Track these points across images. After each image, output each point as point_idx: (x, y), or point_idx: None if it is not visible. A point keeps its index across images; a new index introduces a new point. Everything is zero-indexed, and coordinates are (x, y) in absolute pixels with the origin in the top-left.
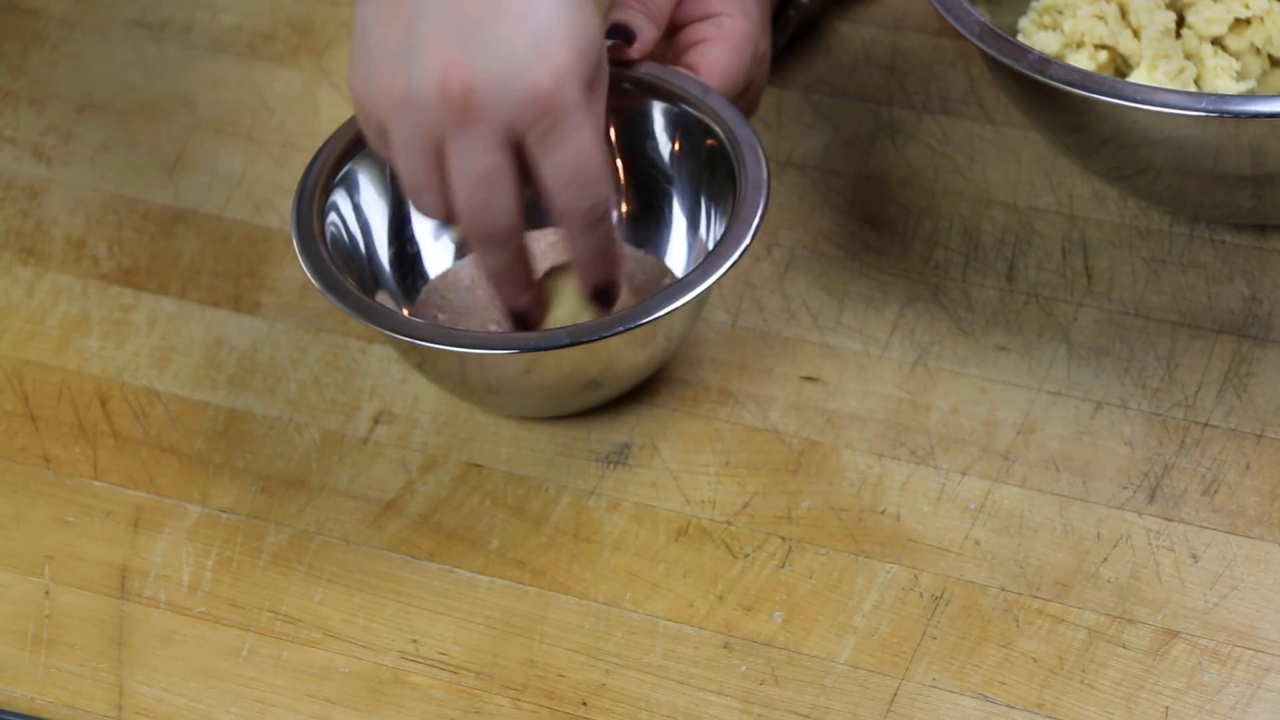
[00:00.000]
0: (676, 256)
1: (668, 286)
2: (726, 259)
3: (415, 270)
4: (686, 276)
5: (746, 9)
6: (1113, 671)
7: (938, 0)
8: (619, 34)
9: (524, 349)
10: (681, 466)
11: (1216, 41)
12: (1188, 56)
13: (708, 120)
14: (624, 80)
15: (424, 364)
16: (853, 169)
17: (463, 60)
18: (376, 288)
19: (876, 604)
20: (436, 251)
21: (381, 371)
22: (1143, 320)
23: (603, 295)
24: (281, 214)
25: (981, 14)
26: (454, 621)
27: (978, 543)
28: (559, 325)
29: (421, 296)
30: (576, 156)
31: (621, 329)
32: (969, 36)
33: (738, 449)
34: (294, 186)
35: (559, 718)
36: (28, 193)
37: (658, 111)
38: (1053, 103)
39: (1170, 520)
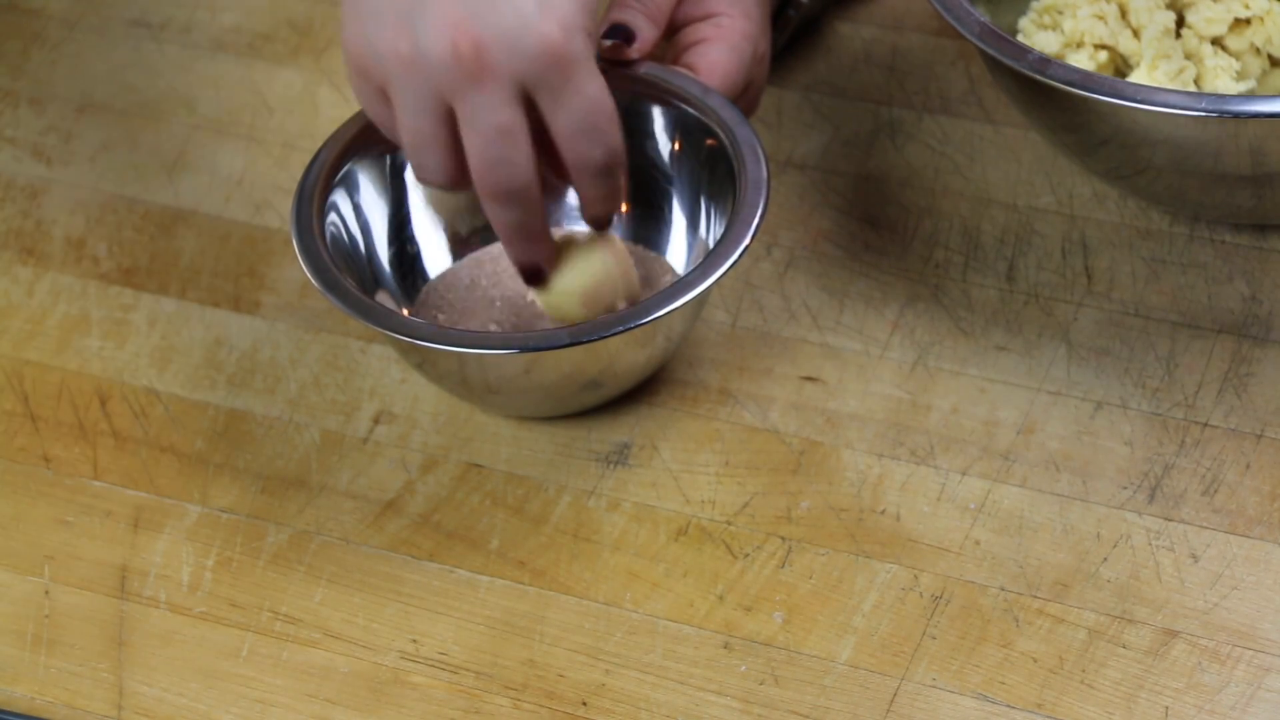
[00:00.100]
0: (676, 256)
1: (667, 286)
2: (726, 259)
3: (415, 270)
4: (686, 276)
5: (746, 9)
6: (1113, 671)
7: (938, 0)
8: (619, 34)
9: (524, 349)
10: (681, 466)
11: (1216, 41)
12: (1188, 56)
13: (707, 120)
14: (624, 80)
15: (424, 364)
16: (853, 169)
17: (470, 17)
18: (376, 288)
19: (876, 604)
20: (436, 251)
21: (381, 371)
22: (1143, 320)
23: (599, 222)
24: (281, 214)
25: (981, 14)
26: (454, 621)
27: (978, 543)
28: (565, 294)
29: (421, 296)
30: (589, 106)
31: (621, 329)
32: (969, 36)
33: (738, 449)
34: (294, 186)
35: (559, 718)
36: (28, 193)
37: (657, 111)
38: (1053, 103)
39: (1170, 520)
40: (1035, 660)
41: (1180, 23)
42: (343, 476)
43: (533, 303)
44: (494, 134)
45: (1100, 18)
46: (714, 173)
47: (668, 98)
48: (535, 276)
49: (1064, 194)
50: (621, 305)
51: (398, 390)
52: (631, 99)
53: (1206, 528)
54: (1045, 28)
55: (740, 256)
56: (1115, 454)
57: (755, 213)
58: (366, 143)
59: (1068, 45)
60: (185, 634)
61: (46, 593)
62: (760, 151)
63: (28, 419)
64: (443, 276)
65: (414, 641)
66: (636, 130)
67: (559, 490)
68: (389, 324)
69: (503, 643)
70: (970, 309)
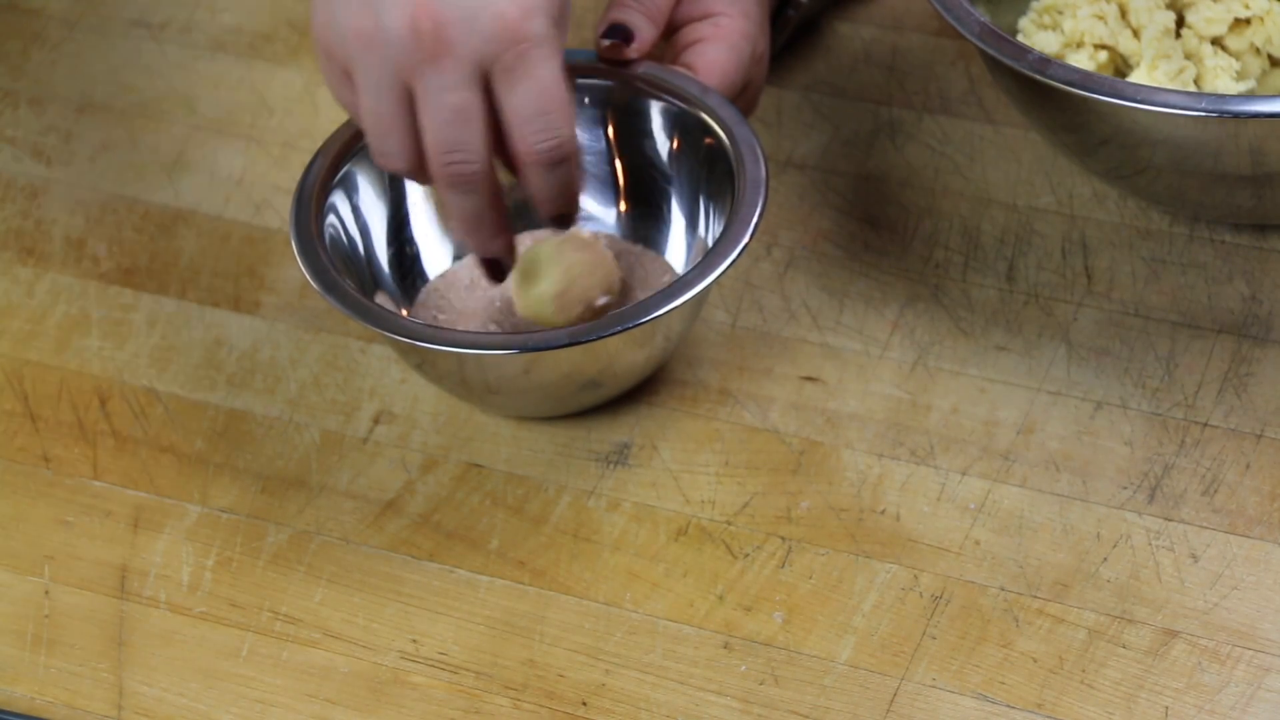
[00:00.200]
0: (675, 256)
1: (666, 286)
2: (725, 258)
3: (415, 271)
4: (685, 276)
5: (745, 8)
6: (1113, 671)
7: (938, 0)
8: (617, 33)
9: (523, 349)
10: (681, 466)
11: (1216, 41)
12: (1188, 56)
13: (706, 119)
14: (622, 79)
15: (423, 364)
16: (853, 169)
17: None
18: (376, 288)
19: (876, 604)
20: (436, 252)
21: (381, 371)
22: (1143, 320)
23: (561, 221)
24: (281, 214)
25: (981, 14)
26: (454, 621)
27: (978, 543)
28: (539, 300)
29: (421, 297)
30: (540, 89)
31: (620, 329)
32: (969, 36)
33: (738, 449)
34: (294, 186)
35: (559, 718)
36: (28, 193)
37: (656, 111)
38: (1052, 103)
39: (1170, 520)
40: (1035, 660)
41: (1180, 23)
42: (343, 476)
43: None
44: (449, 114)
45: (1100, 18)
46: (713, 172)
47: (667, 97)
48: (496, 272)
49: (1064, 194)
50: (602, 301)
51: (398, 390)
52: (630, 98)
53: (1206, 528)
54: (1045, 28)
55: (739, 256)
56: (1115, 454)
57: (754, 212)
58: (366, 143)
59: (1068, 45)
60: (185, 634)
61: (46, 593)
62: (759, 151)
63: (28, 419)
64: (442, 277)
65: (414, 641)
66: (635, 129)
67: (559, 490)
68: (388, 325)
69: (503, 643)
70: (970, 309)
